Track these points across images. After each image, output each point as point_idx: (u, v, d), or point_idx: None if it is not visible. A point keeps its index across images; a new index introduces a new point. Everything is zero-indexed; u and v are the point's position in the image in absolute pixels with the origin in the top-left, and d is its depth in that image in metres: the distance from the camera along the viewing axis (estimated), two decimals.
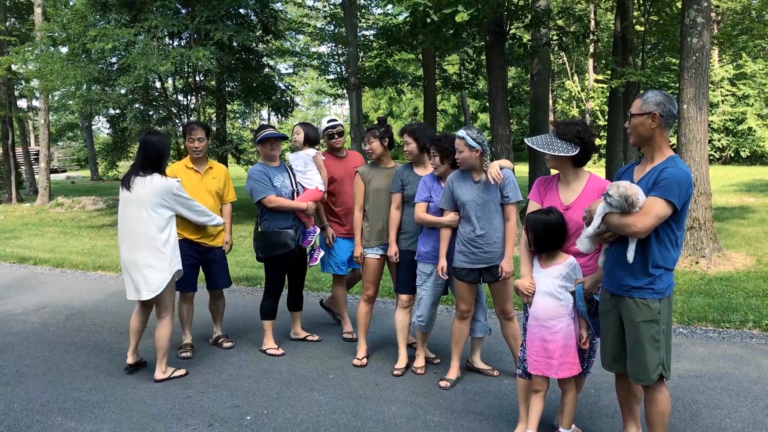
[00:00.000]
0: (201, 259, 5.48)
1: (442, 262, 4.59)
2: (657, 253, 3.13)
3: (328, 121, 5.71)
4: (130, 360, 5.06)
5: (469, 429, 3.96)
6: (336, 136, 5.66)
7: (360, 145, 15.56)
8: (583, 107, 35.36)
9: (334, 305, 6.20)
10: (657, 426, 3.27)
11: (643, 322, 3.16)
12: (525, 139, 3.80)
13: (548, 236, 3.52)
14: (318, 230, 5.59)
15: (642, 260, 3.14)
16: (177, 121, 14.95)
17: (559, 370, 3.53)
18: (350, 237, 5.57)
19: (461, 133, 4.32)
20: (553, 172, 3.86)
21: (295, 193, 5.43)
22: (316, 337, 5.80)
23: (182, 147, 5.64)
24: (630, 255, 3.13)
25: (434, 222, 4.63)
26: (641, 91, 3.28)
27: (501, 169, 4.32)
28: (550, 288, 3.55)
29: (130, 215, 4.75)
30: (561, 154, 3.53)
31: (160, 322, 4.88)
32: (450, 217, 4.53)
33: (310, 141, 5.62)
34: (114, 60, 15.00)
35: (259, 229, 5.38)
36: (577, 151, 3.54)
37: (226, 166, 18.47)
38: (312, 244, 5.61)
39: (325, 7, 24.37)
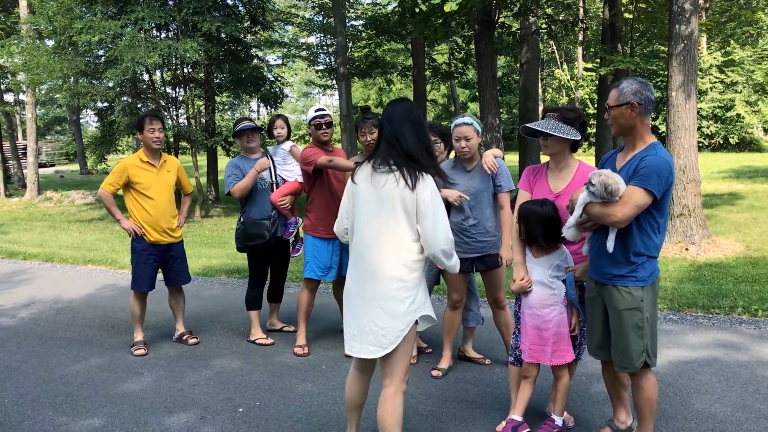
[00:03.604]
0: (162, 258, 5.43)
1: None
2: (639, 240, 3.12)
3: (316, 111, 5.12)
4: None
5: (461, 418, 3.97)
6: (324, 126, 5.06)
7: (350, 136, 15.51)
8: (573, 95, 35.38)
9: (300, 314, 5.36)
10: (645, 412, 3.28)
11: (626, 310, 3.17)
12: (527, 124, 3.73)
13: (540, 228, 3.51)
14: (300, 221, 5.55)
15: (623, 249, 3.14)
16: (166, 113, 14.86)
17: (553, 357, 3.55)
18: (334, 237, 4.93)
19: (468, 119, 4.30)
20: (543, 159, 3.86)
21: (275, 186, 5.44)
22: (292, 328, 5.77)
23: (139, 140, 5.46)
24: (610, 245, 3.13)
25: None
26: (616, 81, 3.25)
27: (495, 158, 4.33)
28: (542, 278, 3.56)
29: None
30: (571, 137, 3.52)
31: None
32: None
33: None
34: (101, 53, 14.86)
35: (241, 220, 5.43)
36: (580, 136, 3.55)
37: (216, 158, 18.44)
38: (294, 234, 5.61)
39: None
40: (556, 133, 3.52)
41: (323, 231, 5.10)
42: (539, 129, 3.56)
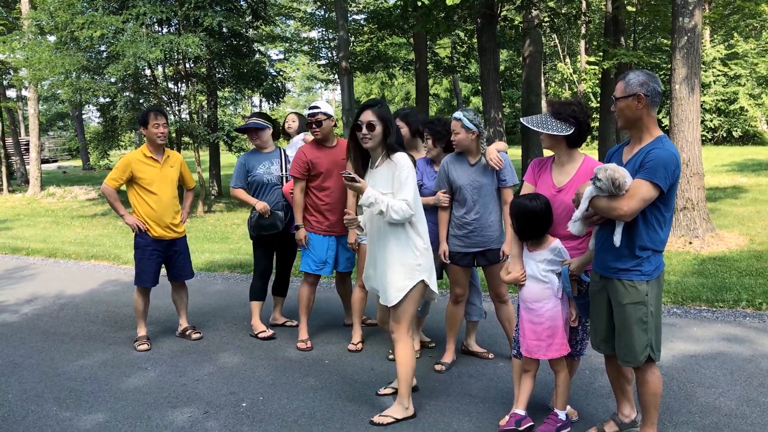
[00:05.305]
0: (165, 253, 5.43)
1: (444, 246, 4.55)
2: (644, 234, 3.10)
3: (309, 108, 5.11)
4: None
5: (464, 412, 3.96)
6: (314, 125, 5.03)
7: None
8: (576, 89, 35.26)
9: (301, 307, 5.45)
10: (650, 407, 3.27)
11: (630, 304, 3.15)
12: (521, 119, 3.75)
13: (528, 224, 3.49)
14: None
15: (629, 242, 3.12)
16: (168, 109, 14.85)
17: (548, 351, 3.54)
18: (331, 233, 5.19)
19: (458, 114, 4.29)
20: (547, 153, 3.84)
21: (284, 179, 5.46)
22: (294, 323, 5.78)
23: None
24: (617, 238, 3.11)
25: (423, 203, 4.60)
26: (622, 74, 3.23)
27: (498, 152, 4.31)
28: (535, 272, 3.54)
29: None
30: (555, 133, 3.48)
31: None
32: (434, 197, 4.51)
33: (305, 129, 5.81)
34: (103, 48, 14.85)
35: (254, 210, 5.47)
36: (571, 131, 3.49)
37: (218, 153, 18.44)
38: None
39: None
40: (536, 129, 3.51)
41: (318, 226, 5.16)
42: (524, 123, 3.60)
